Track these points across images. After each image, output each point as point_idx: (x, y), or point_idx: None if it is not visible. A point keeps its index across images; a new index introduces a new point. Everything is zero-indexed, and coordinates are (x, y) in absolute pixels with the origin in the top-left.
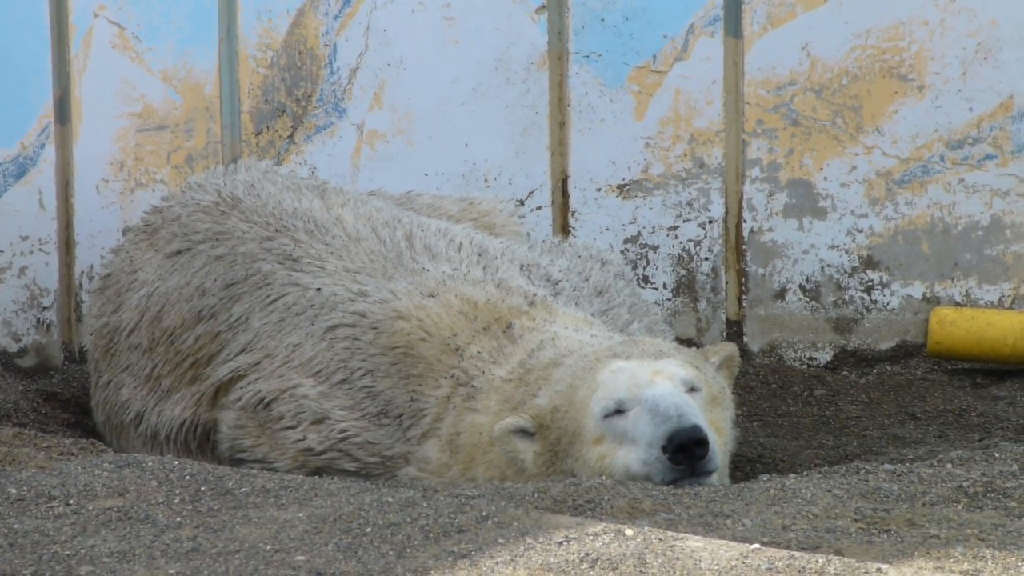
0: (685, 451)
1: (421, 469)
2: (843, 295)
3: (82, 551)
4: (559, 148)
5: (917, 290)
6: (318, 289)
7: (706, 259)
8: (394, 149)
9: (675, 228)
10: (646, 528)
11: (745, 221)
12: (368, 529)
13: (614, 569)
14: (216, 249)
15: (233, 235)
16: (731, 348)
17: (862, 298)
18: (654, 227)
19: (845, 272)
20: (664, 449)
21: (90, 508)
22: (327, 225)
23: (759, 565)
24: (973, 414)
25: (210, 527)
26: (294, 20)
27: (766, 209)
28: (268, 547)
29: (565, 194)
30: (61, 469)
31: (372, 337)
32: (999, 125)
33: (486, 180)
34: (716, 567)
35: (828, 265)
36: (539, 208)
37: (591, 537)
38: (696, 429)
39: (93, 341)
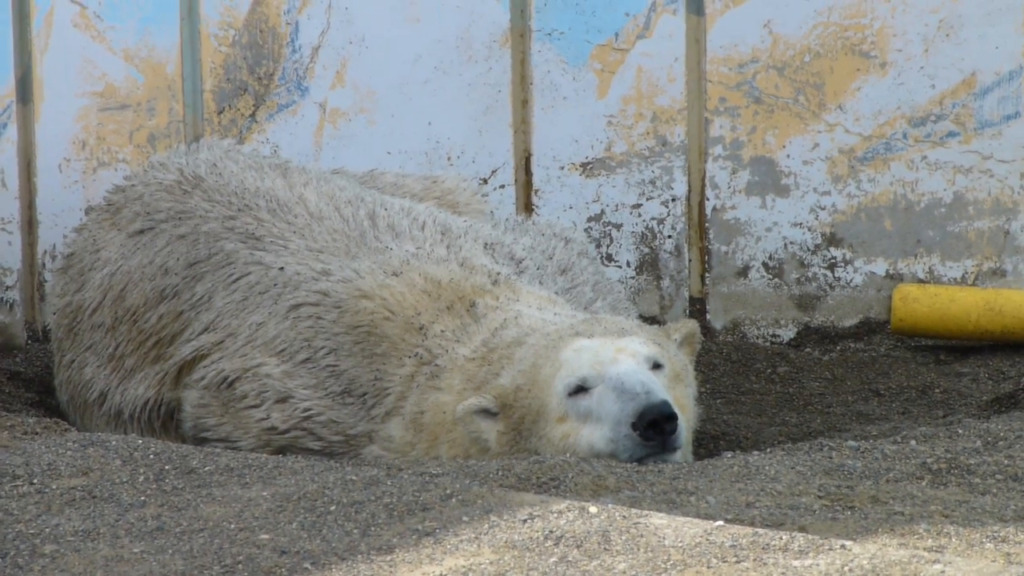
0: (656, 427)
1: (385, 448)
2: (806, 272)
3: (46, 530)
4: (522, 126)
5: (880, 267)
6: (281, 268)
7: (669, 237)
8: (356, 127)
9: (638, 206)
10: (610, 505)
11: (708, 199)
12: (332, 507)
13: (578, 546)
14: (179, 228)
15: (196, 214)
16: (692, 325)
17: (825, 275)
18: (617, 205)
19: (808, 249)
20: (634, 426)
21: (54, 487)
22: (290, 204)
23: (723, 542)
24: (937, 391)
25: (174, 506)
26: None
27: (729, 187)
28: (232, 525)
29: (528, 172)
30: (25, 448)
31: (335, 316)
32: (961, 102)
33: (449, 158)
34: (680, 544)
35: (791, 243)
36: (502, 186)
37: (555, 515)
38: (666, 404)
39: (56, 320)
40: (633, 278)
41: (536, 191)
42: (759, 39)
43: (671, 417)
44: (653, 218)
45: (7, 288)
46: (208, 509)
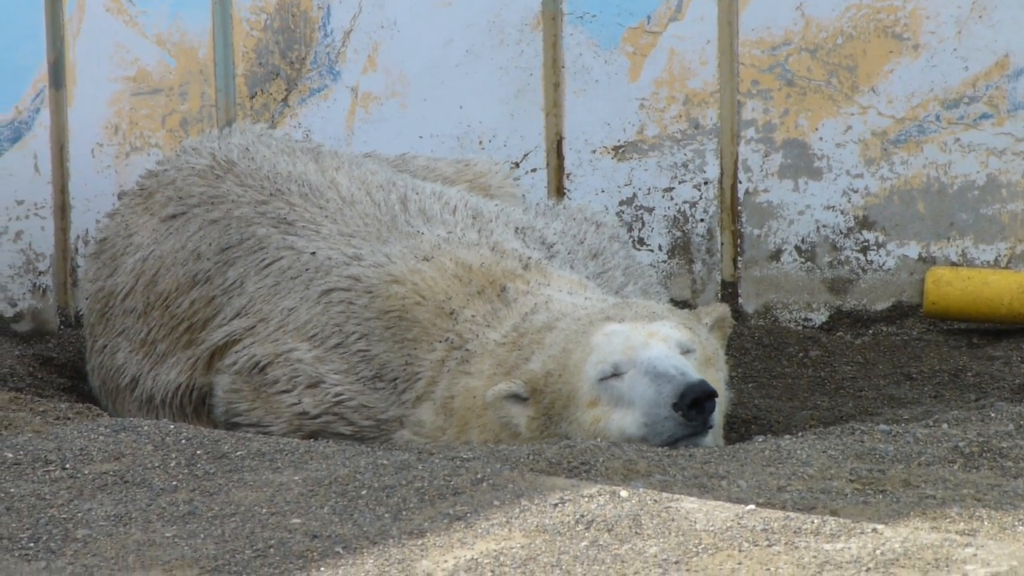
0: (698, 406)
1: (416, 432)
2: (838, 256)
3: (79, 515)
4: (553, 110)
5: (913, 250)
6: (313, 253)
7: (701, 220)
8: (388, 111)
9: (670, 190)
10: (641, 489)
11: (740, 182)
12: (363, 492)
13: (609, 530)
14: (211, 213)
15: (228, 199)
16: (723, 309)
17: (857, 258)
18: (649, 189)
19: (840, 232)
20: (675, 407)
21: (86, 472)
22: (321, 188)
23: (754, 526)
24: (969, 374)
25: (206, 491)
26: None
27: (761, 170)
28: (264, 510)
29: (560, 156)
30: (57, 433)
31: (367, 301)
32: (994, 84)
33: (480, 142)
34: (711, 528)
35: (823, 226)
36: (534, 170)
37: (586, 499)
38: (704, 383)
39: (88, 305)
40: (665, 262)
41: (568, 175)
42: (791, 21)
43: (712, 395)
44: (685, 201)
45: (40, 273)
46: (240, 494)
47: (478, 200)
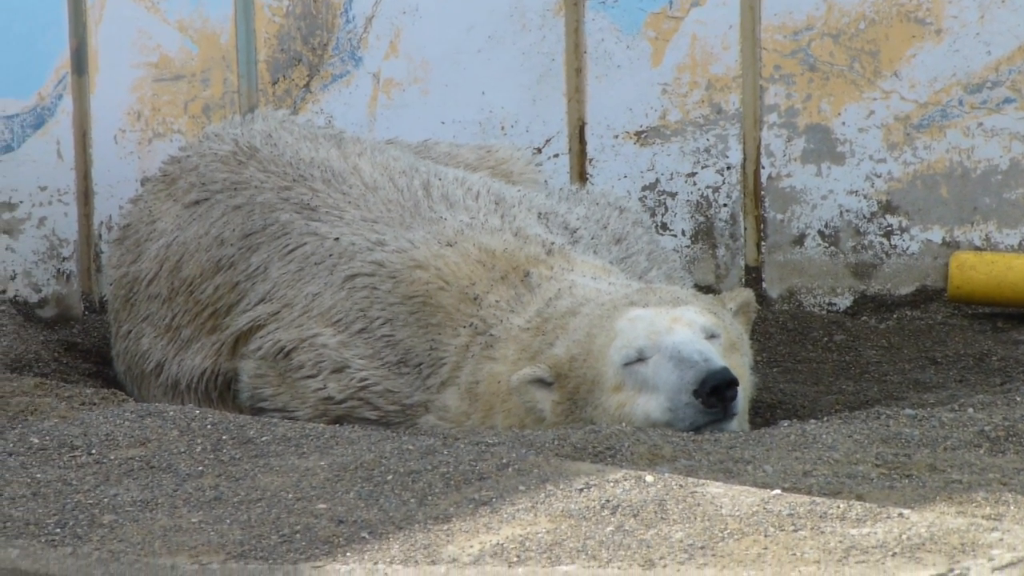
0: (718, 394)
1: (441, 417)
2: (862, 240)
3: (105, 500)
4: (576, 95)
5: (936, 235)
6: (336, 239)
7: (724, 205)
8: (410, 97)
9: (693, 175)
10: (666, 474)
11: (763, 167)
12: (389, 477)
13: (635, 515)
14: (234, 199)
15: (251, 185)
16: (747, 294)
17: (881, 243)
18: (672, 174)
19: (864, 217)
20: (696, 394)
21: (112, 457)
22: (344, 174)
23: (780, 511)
24: (994, 358)
25: (232, 476)
26: None
27: (784, 155)
28: (290, 495)
29: (582, 141)
30: (83, 419)
31: (391, 286)
32: (1017, 68)
33: (502, 128)
34: (737, 513)
35: (847, 210)
36: (556, 156)
37: (611, 484)
38: (726, 370)
39: (113, 291)
40: (688, 247)
41: (590, 160)
42: (814, 6)
43: (732, 383)
44: (708, 187)
45: (64, 259)
46: (265, 479)
47: (501, 186)
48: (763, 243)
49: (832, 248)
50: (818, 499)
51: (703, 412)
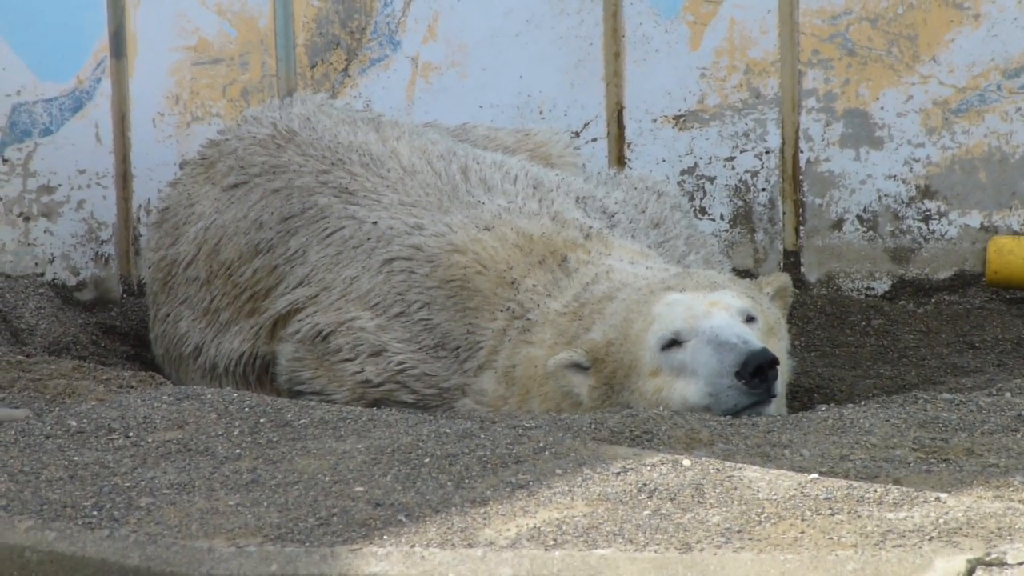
0: (761, 374)
1: (478, 401)
2: (900, 225)
3: (142, 483)
4: (614, 79)
5: (975, 219)
6: (374, 222)
7: (763, 190)
8: (448, 81)
9: (731, 159)
10: (704, 458)
11: (802, 151)
12: (426, 460)
13: (672, 499)
14: (272, 182)
15: (289, 168)
16: (784, 278)
17: (919, 228)
18: (710, 158)
19: (902, 202)
20: (738, 375)
21: (150, 440)
22: (382, 158)
23: (817, 495)
24: None
25: (269, 459)
26: None
27: (822, 139)
28: (327, 478)
29: (620, 125)
30: (121, 402)
31: (428, 270)
32: None
33: (540, 112)
34: (774, 497)
35: (885, 195)
36: (594, 140)
37: (648, 468)
38: (766, 351)
39: (151, 274)
40: (727, 231)
41: (628, 144)
42: None
43: (773, 362)
44: (747, 171)
45: (102, 242)
46: (303, 462)
47: (539, 170)
48: (801, 227)
49: (870, 233)
50: (855, 483)
51: (746, 394)
